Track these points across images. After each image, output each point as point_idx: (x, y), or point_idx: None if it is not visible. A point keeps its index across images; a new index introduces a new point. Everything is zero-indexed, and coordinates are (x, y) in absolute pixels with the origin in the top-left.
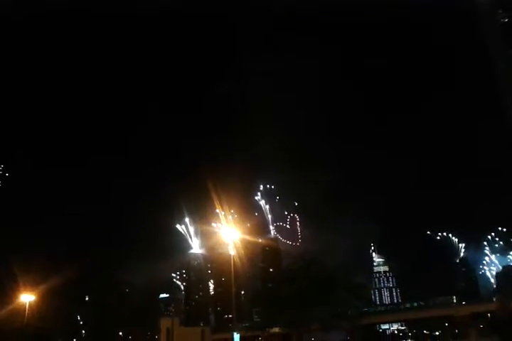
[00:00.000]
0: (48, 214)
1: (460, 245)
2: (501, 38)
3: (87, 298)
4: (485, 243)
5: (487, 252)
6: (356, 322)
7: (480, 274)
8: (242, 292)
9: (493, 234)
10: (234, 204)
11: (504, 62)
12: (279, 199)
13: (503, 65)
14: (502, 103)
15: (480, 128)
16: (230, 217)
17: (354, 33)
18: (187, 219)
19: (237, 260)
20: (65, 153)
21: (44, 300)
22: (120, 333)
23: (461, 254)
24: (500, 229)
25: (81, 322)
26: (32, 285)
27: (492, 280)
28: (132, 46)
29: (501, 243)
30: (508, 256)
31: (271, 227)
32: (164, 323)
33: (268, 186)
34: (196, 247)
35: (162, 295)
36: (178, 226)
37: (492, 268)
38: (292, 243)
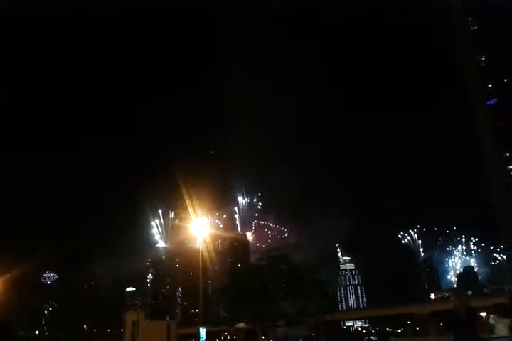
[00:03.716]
0: (11, 206)
1: (424, 246)
2: (471, 44)
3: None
4: (450, 245)
5: (452, 253)
6: (321, 318)
7: (443, 274)
8: (210, 287)
9: (458, 237)
10: (205, 199)
11: (473, 67)
12: (252, 195)
13: (472, 69)
14: (471, 107)
15: (452, 131)
16: (200, 211)
17: (331, 33)
18: (158, 213)
19: (205, 255)
20: (38, 148)
21: (6, 290)
22: (84, 326)
23: (425, 255)
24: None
25: (44, 314)
26: None
27: (453, 281)
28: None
29: (464, 246)
30: (470, 257)
31: (240, 223)
32: (129, 317)
33: (241, 183)
34: (165, 241)
35: (129, 289)
36: (150, 220)
37: (457, 267)
38: (262, 239)
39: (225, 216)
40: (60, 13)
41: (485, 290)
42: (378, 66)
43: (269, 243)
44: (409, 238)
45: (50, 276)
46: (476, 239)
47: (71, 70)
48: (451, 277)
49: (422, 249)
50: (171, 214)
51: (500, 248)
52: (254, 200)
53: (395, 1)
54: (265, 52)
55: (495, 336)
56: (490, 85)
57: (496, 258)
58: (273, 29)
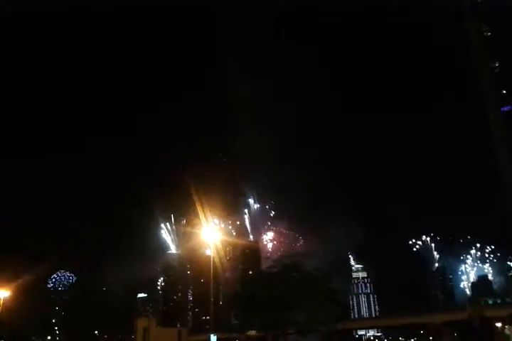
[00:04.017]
0: (22, 210)
1: (438, 254)
2: (484, 51)
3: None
4: (464, 253)
5: (466, 261)
6: (332, 327)
7: (456, 283)
8: (221, 294)
9: (472, 246)
10: (216, 206)
11: (486, 73)
12: (263, 201)
13: (486, 76)
14: (485, 114)
15: (466, 138)
16: (212, 218)
17: (331, 33)
18: (170, 220)
19: (217, 261)
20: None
21: (18, 296)
22: (96, 332)
23: (439, 263)
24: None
25: (55, 320)
26: (7, 280)
27: (467, 290)
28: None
29: (479, 253)
30: (484, 266)
31: (251, 229)
32: (141, 323)
33: (252, 189)
34: (176, 248)
35: (140, 295)
36: (162, 226)
37: (471, 275)
38: (274, 245)
39: (238, 222)
40: (59, 13)
41: (503, 299)
42: (381, 67)
43: (281, 250)
44: (422, 246)
45: (61, 279)
46: (492, 248)
47: (71, 70)
48: (465, 286)
49: (436, 257)
50: (183, 221)
51: None
52: (267, 207)
53: (398, 1)
54: (265, 52)
55: None
56: (504, 92)
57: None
58: (273, 29)
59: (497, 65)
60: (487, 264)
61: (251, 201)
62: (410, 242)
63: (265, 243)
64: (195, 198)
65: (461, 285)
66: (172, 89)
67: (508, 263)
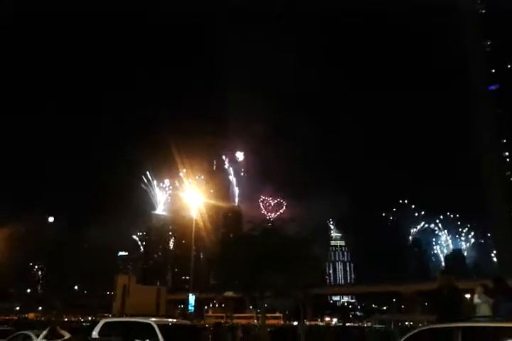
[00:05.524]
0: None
1: (416, 226)
2: (477, 29)
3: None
4: (437, 225)
5: (439, 234)
6: (309, 291)
7: (432, 255)
8: (201, 255)
9: (449, 214)
10: (201, 168)
11: (478, 52)
12: (248, 167)
13: (476, 55)
14: (473, 92)
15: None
16: (196, 180)
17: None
18: (160, 181)
19: (200, 224)
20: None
21: (4, 245)
22: (76, 287)
23: (415, 235)
24: (448, 214)
25: (38, 274)
26: None
27: (442, 262)
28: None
29: (456, 229)
30: (461, 241)
31: (235, 194)
32: (121, 280)
33: (238, 154)
34: (160, 209)
35: (121, 253)
36: (143, 186)
37: (447, 249)
38: (257, 210)
39: (220, 186)
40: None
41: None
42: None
43: (264, 215)
44: (400, 218)
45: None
46: (471, 224)
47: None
48: (440, 258)
49: (413, 229)
50: (169, 183)
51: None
52: (250, 172)
53: None
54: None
55: (478, 315)
56: (493, 70)
57: (484, 243)
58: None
59: (489, 43)
60: (463, 239)
61: (238, 167)
62: (389, 214)
63: (249, 207)
64: (182, 162)
65: (437, 257)
66: (172, 54)
67: (481, 240)
